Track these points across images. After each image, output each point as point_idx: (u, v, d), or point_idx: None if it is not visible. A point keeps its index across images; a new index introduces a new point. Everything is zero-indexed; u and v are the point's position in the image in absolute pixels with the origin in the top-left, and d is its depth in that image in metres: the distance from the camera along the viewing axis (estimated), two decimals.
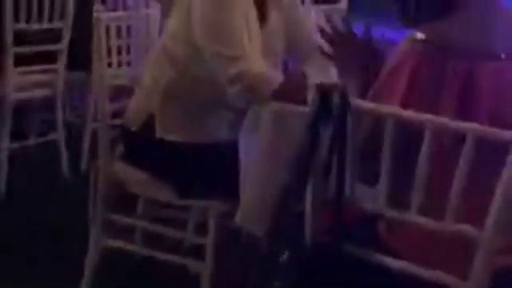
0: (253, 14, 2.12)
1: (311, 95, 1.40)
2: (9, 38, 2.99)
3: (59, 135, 3.33)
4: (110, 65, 2.40)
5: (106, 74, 2.30)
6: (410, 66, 1.39)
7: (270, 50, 2.17)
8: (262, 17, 2.16)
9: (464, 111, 1.33)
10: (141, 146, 2.21)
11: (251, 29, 2.10)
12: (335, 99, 1.35)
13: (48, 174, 3.33)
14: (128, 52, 2.68)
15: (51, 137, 3.35)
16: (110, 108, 2.29)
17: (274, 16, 2.20)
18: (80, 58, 3.35)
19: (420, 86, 1.38)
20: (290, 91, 1.94)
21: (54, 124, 3.34)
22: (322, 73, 2.04)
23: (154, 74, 2.19)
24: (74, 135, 3.57)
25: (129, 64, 2.68)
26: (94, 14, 2.29)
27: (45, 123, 3.53)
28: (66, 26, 3.21)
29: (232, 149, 2.01)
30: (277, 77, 2.01)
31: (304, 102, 1.73)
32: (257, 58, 2.04)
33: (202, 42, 2.05)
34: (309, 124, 1.38)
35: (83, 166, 3.41)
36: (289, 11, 2.25)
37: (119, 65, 2.57)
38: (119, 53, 2.53)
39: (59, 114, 3.32)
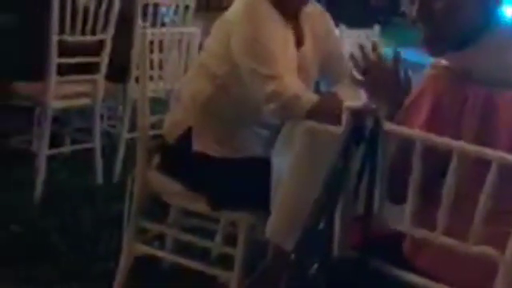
0: (290, 36, 2.22)
1: (345, 117, 1.47)
2: (53, 49, 3.12)
3: (96, 144, 3.44)
4: (150, 78, 2.51)
5: (147, 86, 2.39)
6: (433, 91, 1.47)
7: (304, 73, 2.24)
8: (298, 41, 2.25)
9: (484, 137, 1.40)
10: (177, 158, 2.30)
11: (288, 50, 2.18)
12: (368, 122, 1.42)
13: (83, 181, 3.43)
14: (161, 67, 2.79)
15: (88, 145, 3.46)
16: (148, 120, 2.38)
17: (308, 41, 2.28)
18: (118, 70, 3.48)
19: (443, 111, 1.45)
20: (325, 111, 2.00)
21: (90, 132, 3.47)
22: (353, 96, 2.12)
23: (192, 90, 2.28)
24: (109, 144, 3.69)
25: (161, 78, 2.79)
26: (140, 30, 2.39)
27: (81, 131, 3.65)
28: (107, 39, 3.33)
29: (265, 165, 2.09)
30: (312, 96, 2.09)
31: (337, 123, 1.81)
32: (293, 78, 2.12)
33: (240, 60, 2.13)
34: (342, 144, 1.45)
35: (117, 174, 3.52)
36: (324, 40, 2.33)
37: (160, 78, 2.68)
38: (160, 67, 2.63)
39: (97, 124, 3.44)
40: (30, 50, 3.17)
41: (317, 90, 2.42)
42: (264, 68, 2.09)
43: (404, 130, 1.40)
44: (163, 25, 3.75)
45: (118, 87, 3.59)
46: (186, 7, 3.80)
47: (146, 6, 3.57)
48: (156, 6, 3.60)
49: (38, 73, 3.16)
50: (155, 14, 3.62)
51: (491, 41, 1.51)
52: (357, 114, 1.45)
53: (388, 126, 1.42)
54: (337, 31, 2.58)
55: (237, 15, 2.17)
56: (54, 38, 3.11)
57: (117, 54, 3.43)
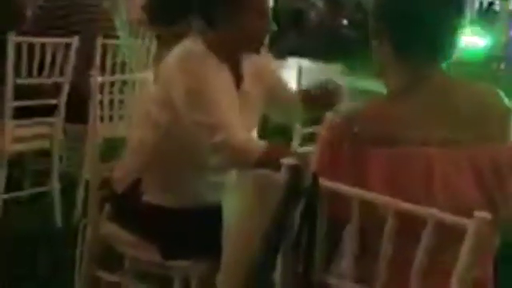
0: (229, 79, 2.20)
1: (282, 173, 1.47)
2: (9, 91, 3.10)
3: (54, 186, 3.41)
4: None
5: (98, 132, 2.37)
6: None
7: (248, 111, 2.23)
8: (237, 80, 2.24)
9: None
10: (127, 208, 2.27)
11: (230, 94, 2.17)
12: (306, 180, 1.42)
13: (41, 224, 3.38)
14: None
15: (46, 188, 3.42)
16: (102, 167, 2.36)
17: (248, 79, 2.27)
18: (78, 111, 3.46)
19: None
20: (272, 160, 2.01)
21: (49, 174, 3.43)
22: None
23: (138, 138, 2.27)
24: (69, 186, 3.64)
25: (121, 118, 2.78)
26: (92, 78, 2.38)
27: (40, 173, 3.61)
28: (65, 82, 3.31)
29: (216, 212, 2.07)
30: (258, 145, 2.08)
31: None
32: (238, 125, 2.10)
33: (184, 111, 2.10)
34: (280, 201, 1.45)
35: (77, 217, 3.48)
36: (263, 74, 2.33)
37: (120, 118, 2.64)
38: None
39: (55, 166, 3.40)
40: None
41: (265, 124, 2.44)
42: (208, 118, 2.07)
43: (340, 187, 1.40)
44: (124, 64, 3.76)
45: (78, 128, 3.56)
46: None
47: (104, 46, 3.57)
48: (115, 47, 3.60)
49: None
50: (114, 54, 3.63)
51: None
52: (294, 171, 1.45)
53: (324, 182, 1.42)
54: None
55: (176, 64, 2.15)
56: (11, 81, 3.09)
57: (76, 94, 3.42)
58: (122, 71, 3.72)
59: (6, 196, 3.23)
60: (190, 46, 2.19)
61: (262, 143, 2.11)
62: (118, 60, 3.69)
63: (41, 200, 3.47)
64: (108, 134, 2.63)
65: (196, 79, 2.09)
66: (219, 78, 2.15)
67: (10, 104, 3.12)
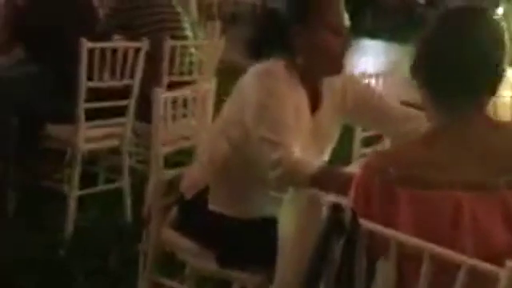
0: (304, 102, 2.26)
1: (324, 210, 1.53)
2: (81, 95, 3.25)
3: (124, 183, 3.57)
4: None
5: (160, 148, 2.47)
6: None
7: (318, 137, 2.30)
8: (314, 105, 2.30)
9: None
10: (193, 214, 2.39)
11: (300, 117, 2.23)
12: (347, 217, 1.48)
13: (113, 220, 3.56)
14: None
15: (117, 184, 3.59)
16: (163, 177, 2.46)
17: (326, 104, 2.32)
18: (146, 110, 3.59)
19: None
20: (327, 180, 2.07)
21: (120, 171, 3.60)
22: None
23: (210, 150, 2.36)
24: (138, 182, 3.81)
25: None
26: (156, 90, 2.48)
27: (112, 169, 3.79)
28: (134, 84, 3.45)
29: (274, 225, 2.15)
30: (313, 166, 2.14)
31: (340, 192, 1.86)
32: (299, 146, 2.16)
33: (251, 125, 2.19)
34: (321, 236, 1.51)
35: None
36: (347, 96, 2.36)
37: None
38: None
39: (125, 163, 3.56)
40: (61, 96, 3.31)
41: None
42: (272, 135, 2.13)
43: (377, 227, 1.45)
44: (191, 63, 3.87)
45: (146, 126, 3.70)
46: None
47: (173, 47, 3.69)
48: (183, 52, 3.71)
49: (68, 116, 3.30)
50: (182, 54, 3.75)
51: None
52: (336, 208, 1.51)
53: (363, 222, 1.47)
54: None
55: (251, 81, 2.23)
56: (83, 85, 3.25)
57: (145, 94, 3.55)
58: (190, 72, 3.83)
59: (80, 192, 3.40)
60: (270, 63, 2.25)
61: (320, 163, 2.17)
62: (186, 60, 3.80)
63: (112, 195, 3.64)
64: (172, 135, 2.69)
65: (268, 95, 2.16)
66: (291, 98, 2.20)
67: (83, 106, 3.28)
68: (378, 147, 3.41)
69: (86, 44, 3.20)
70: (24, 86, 3.25)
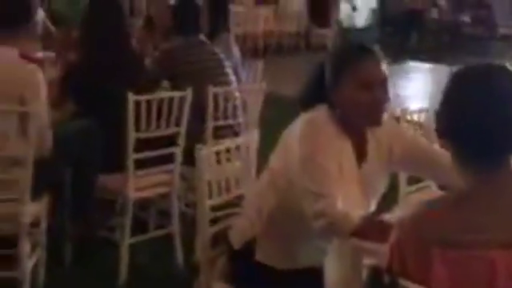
0: (350, 155, 2.30)
1: (365, 272, 1.58)
2: (130, 146, 3.36)
3: (174, 228, 3.66)
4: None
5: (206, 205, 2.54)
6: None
7: (366, 188, 2.34)
8: (361, 156, 2.34)
9: None
10: (240, 265, 2.45)
11: (345, 169, 2.27)
12: (386, 279, 1.52)
13: (164, 265, 3.65)
14: None
15: (167, 230, 3.68)
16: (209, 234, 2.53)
17: (372, 156, 2.36)
18: (193, 156, 3.69)
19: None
20: (370, 232, 2.10)
21: (169, 216, 3.68)
22: None
23: (258, 202, 2.43)
24: (188, 224, 3.89)
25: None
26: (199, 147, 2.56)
27: (162, 214, 3.88)
28: (181, 132, 3.55)
29: (321, 275, 2.19)
30: (356, 217, 2.18)
31: (382, 241, 1.90)
32: (341, 197, 2.20)
33: (296, 177, 2.24)
34: None
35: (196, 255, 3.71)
36: (393, 148, 2.40)
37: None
38: None
39: (175, 209, 3.65)
40: (111, 147, 3.42)
41: None
42: (315, 186, 2.18)
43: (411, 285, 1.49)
44: (235, 107, 3.96)
45: (194, 170, 3.79)
46: None
47: (216, 95, 3.78)
48: (226, 97, 3.80)
49: (118, 166, 3.41)
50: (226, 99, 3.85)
51: None
52: (376, 270, 1.55)
53: (402, 282, 1.51)
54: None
55: (297, 132, 2.28)
56: (131, 136, 3.36)
57: (191, 139, 3.64)
58: (234, 116, 3.92)
59: (132, 240, 3.50)
60: (315, 114, 2.31)
61: (360, 215, 2.20)
62: (230, 105, 3.89)
63: (164, 240, 3.72)
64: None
65: (312, 147, 2.22)
66: (336, 149, 2.25)
67: (132, 157, 3.39)
68: (424, 186, 3.43)
69: (132, 97, 3.31)
70: (76, 140, 3.37)
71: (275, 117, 5.42)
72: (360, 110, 2.25)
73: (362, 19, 15.35)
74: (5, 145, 2.96)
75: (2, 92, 2.98)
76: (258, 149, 2.83)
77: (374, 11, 15.25)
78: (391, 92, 2.28)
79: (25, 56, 3.16)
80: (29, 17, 3.20)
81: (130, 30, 3.95)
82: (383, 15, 14.75)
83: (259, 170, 2.58)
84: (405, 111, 3.51)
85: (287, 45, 12.65)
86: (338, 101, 2.28)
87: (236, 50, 4.70)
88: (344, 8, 14.81)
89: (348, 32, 14.04)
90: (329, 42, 12.77)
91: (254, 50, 11.85)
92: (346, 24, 14.70)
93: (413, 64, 11.73)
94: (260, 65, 4.82)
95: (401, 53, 12.03)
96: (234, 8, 11.50)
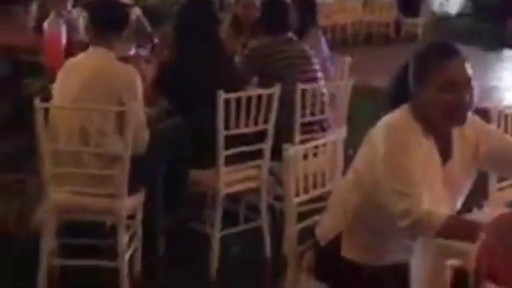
0: (434, 154, 2.32)
1: (448, 274, 1.61)
2: (220, 143, 3.48)
3: (263, 221, 3.76)
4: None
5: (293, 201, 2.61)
6: None
7: (451, 186, 2.35)
8: (445, 155, 2.35)
9: None
10: (327, 261, 2.51)
11: (430, 168, 2.29)
12: (470, 279, 1.55)
13: (254, 257, 3.76)
14: None
15: (257, 223, 3.79)
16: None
17: (457, 154, 2.37)
18: (279, 149, 3.77)
19: None
20: (455, 231, 2.12)
21: (259, 209, 3.79)
22: None
23: (343, 199, 2.48)
24: (277, 217, 3.98)
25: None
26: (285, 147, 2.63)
27: (251, 207, 3.98)
28: (269, 129, 3.63)
29: (406, 272, 2.23)
30: (441, 217, 2.19)
31: (469, 241, 1.92)
32: (426, 197, 2.22)
33: (381, 176, 2.28)
34: None
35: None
36: (479, 146, 2.39)
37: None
38: None
39: (263, 203, 3.75)
40: (201, 143, 3.55)
41: None
42: (400, 186, 2.22)
43: None
44: (323, 103, 4.01)
45: (280, 164, 3.87)
46: None
47: (304, 91, 3.84)
48: (314, 93, 3.86)
49: (209, 162, 3.54)
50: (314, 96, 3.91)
51: None
52: (461, 271, 1.58)
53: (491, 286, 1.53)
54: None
55: (381, 134, 2.32)
56: (221, 134, 3.47)
57: (278, 134, 3.73)
58: (322, 111, 3.97)
59: (222, 233, 3.62)
60: (399, 114, 2.34)
61: (445, 214, 2.21)
62: (318, 101, 3.95)
63: (253, 232, 3.83)
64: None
65: (397, 147, 2.26)
66: (420, 149, 2.27)
67: (223, 154, 3.50)
68: None
69: (222, 95, 3.42)
70: (170, 136, 3.52)
71: (364, 108, 5.47)
72: (443, 111, 2.26)
73: (454, 6, 14.99)
74: (103, 141, 3.13)
75: (100, 92, 3.15)
76: (347, 141, 2.87)
77: None
78: (476, 90, 2.28)
79: (121, 57, 3.33)
80: (128, 22, 3.37)
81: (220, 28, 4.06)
82: (477, 2, 14.33)
83: (346, 164, 2.62)
84: (497, 107, 3.44)
85: (377, 35, 12.52)
86: (422, 101, 2.30)
87: (325, 46, 4.73)
88: None
89: (440, 21, 13.75)
90: (420, 32, 12.58)
91: (342, 41, 11.81)
92: (438, 12, 14.41)
93: (509, 52, 11.37)
94: (348, 60, 4.84)
95: (496, 41, 11.69)
96: (322, 0, 11.61)
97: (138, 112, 3.18)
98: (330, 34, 11.43)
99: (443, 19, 14.14)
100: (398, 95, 2.40)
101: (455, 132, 2.38)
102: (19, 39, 3.49)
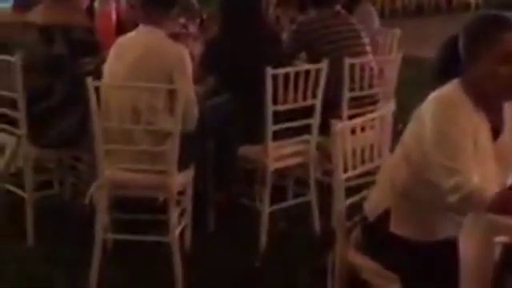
0: (485, 130, 2.30)
1: (498, 250, 1.60)
2: (269, 118, 3.50)
3: (311, 196, 3.78)
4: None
5: (342, 176, 2.61)
6: None
7: (502, 162, 2.34)
8: (496, 131, 2.33)
9: None
10: (375, 236, 2.52)
11: (481, 144, 2.28)
12: None
13: (303, 231, 3.79)
14: None
15: (305, 198, 3.81)
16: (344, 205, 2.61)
17: (508, 130, 2.35)
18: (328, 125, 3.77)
19: None
20: (505, 206, 2.10)
21: (307, 184, 3.80)
22: None
23: (391, 174, 2.48)
24: (325, 192, 3.99)
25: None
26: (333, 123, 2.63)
27: (299, 182, 4.01)
28: (317, 104, 3.64)
29: (456, 247, 2.22)
30: (491, 192, 2.17)
31: None
32: (476, 172, 2.21)
33: (431, 151, 2.28)
34: (495, 275, 1.59)
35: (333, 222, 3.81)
36: None
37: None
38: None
39: (312, 178, 3.77)
40: (250, 119, 3.58)
41: None
42: (450, 161, 2.22)
43: None
44: (371, 77, 3.98)
45: (329, 139, 3.87)
46: None
47: (352, 66, 3.82)
48: (362, 67, 3.83)
49: (258, 137, 3.57)
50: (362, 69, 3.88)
51: None
52: (510, 248, 1.57)
53: None
54: None
55: (431, 108, 2.30)
56: (270, 109, 3.49)
57: (326, 109, 3.72)
58: (370, 86, 3.95)
59: (271, 208, 3.66)
60: (449, 89, 2.32)
61: (495, 189, 2.19)
62: (366, 75, 3.92)
63: (302, 207, 3.86)
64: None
65: (447, 122, 2.25)
66: (470, 124, 2.26)
67: (271, 129, 3.52)
68: None
69: (270, 71, 3.43)
70: (218, 113, 3.56)
71: (414, 79, 5.41)
72: (501, 84, 2.23)
73: None
74: (154, 118, 3.18)
75: (151, 70, 3.19)
76: (396, 114, 2.85)
77: None
78: None
79: (170, 34, 3.36)
80: (177, 0, 3.40)
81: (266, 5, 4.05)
82: None
83: (396, 138, 2.61)
84: None
85: (427, 5, 12.28)
86: (476, 75, 2.27)
87: (375, 19, 4.68)
88: None
89: None
90: (472, 1, 12.29)
91: (392, 11, 11.63)
92: None
93: None
94: (397, 32, 4.78)
95: None
96: None
97: (188, 90, 3.22)
98: (379, 5, 11.27)
99: None
100: (445, 69, 2.37)
101: (506, 107, 2.34)
102: (74, 19, 3.55)
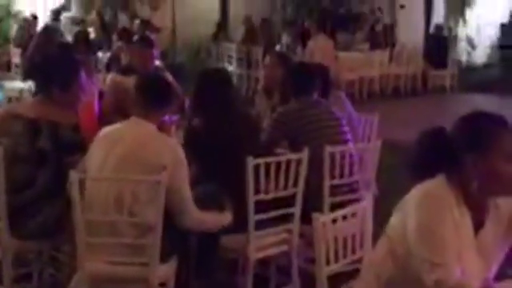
0: (468, 223, 2.32)
1: None
2: (250, 208, 3.51)
3: (295, 286, 3.75)
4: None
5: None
6: None
7: (484, 254, 2.36)
8: (478, 223, 2.35)
9: None
10: None
11: (463, 237, 2.29)
12: None
13: None
14: None
15: (288, 287, 3.78)
16: None
17: (490, 222, 2.37)
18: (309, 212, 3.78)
19: None
20: None
21: (289, 272, 3.78)
22: None
23: (376, 269, 2.47)
24: (307, 280, 3.96)
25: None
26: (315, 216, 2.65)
27: (281, 270, 3.98)
28: (298, 193, 3.66)
29: None
30: (473, 286, 2.19)
31: None
32: (457, 267, 2.22)
33: (412, 244, 2.29)
34: None
35: None
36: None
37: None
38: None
39: (294, 267, 3.75)
40: (233, 208, 3.58)
41: None
42: (432, 255, 2.23)
43: None
44: (352, 165, 4.03)
45: (311, 228, 3.87)
46: None
47: (333, 154, 3.88)
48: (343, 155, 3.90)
49: (239, 227, 3.57)
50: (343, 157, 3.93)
51: None
52: None
53: None
54: None
55: (414, 203, 2.32)
56: (251, 199, 3.51)
57: (307, 197, 3.75)
58: (351, 173, 3.99)
59: None
60: (435, 184, 2.33)
61: (477, 285, 2.21)
62: (346, 163, 3.97)
63: None
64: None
65: (430, 217, 2.26)
66: (454, 219, 2.28)
67: (253, 218, 3.54)
68: None
69: (252, 161, 3.47)
70: (201, 203, 3.56)
71: (393, 164, 5.45)
72: (502, 183, 2.27)
73: (481, 57, 15.00)
74: (138, 208, 3.15)
75: (144, 164, 3.18)
76: (377, 198, 2.87)
77: (493, 47, 14.88)
78: None
79: (159, 127, 3.40)
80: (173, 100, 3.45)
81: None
82: (504, 52, 14.33)
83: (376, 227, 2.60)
84: None
85: (404, 88, 12.55)
86: (478, 175, 2.28)
87: (350, 106, 4.78)
88: (461, 46, 14.56)
89: (468, 71, 13.76)
90: (448, 84, 12.58)
91: (370, 94, 11.86)
92: (464, 63, 14.43)
93: None
94: (376, 119, 4.87)
95: None
96: (349, 54, 11.70)
97: (183, 188, 3.23)
98: (357, 88, 11.51)
99: (471, 70, 14.15)
100: (429, 165, 2.37)
101: (490, 202, 2.38)
102: (63, 117, 3.57)
